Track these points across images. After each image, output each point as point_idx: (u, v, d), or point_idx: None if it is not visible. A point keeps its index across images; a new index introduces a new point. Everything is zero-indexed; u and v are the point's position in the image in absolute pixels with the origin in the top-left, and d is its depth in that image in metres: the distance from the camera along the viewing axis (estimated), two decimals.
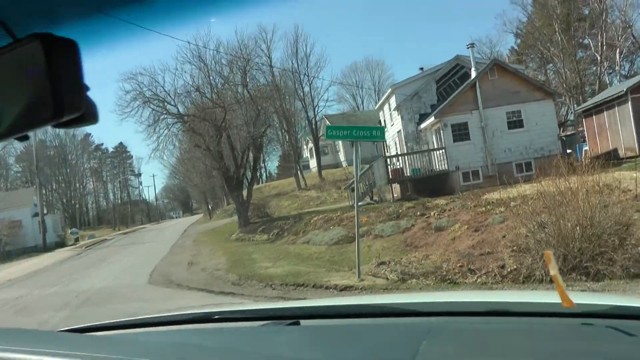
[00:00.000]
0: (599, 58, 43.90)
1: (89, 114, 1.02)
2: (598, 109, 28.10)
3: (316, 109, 54.37)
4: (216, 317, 2.13)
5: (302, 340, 1.69)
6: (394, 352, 1.42)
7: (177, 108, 32.61)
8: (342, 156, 54.85)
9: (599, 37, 43.93)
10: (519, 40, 51.50)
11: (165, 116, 32.54)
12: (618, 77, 42.74)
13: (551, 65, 47.94)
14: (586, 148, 29.30)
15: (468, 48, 27.04)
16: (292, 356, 1.34)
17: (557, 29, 43.90)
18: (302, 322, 1.89)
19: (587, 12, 46.43)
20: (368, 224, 19.48)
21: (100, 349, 1.23)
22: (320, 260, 17.47)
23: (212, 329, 1.97)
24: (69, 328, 2.13)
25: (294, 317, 1.95)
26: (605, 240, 13.66)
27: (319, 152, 51.15)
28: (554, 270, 1.59)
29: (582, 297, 1.78)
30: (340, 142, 51.59)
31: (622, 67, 45.17)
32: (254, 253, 20.82)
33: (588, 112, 29.42)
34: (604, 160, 25.09)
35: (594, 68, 45.58)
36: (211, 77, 33.58)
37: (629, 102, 24.66)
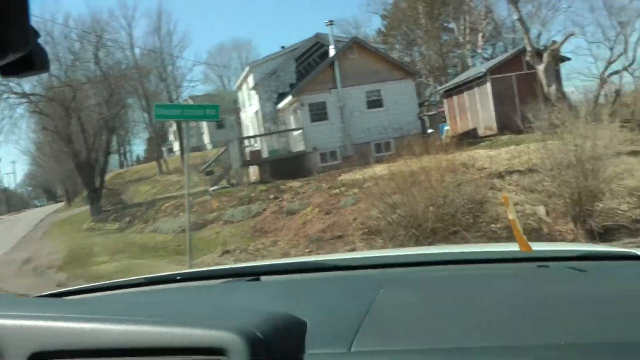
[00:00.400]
0: (462, 40, 45.11)
1: (39, 59, 0.98)
2: (459, 89, 28.60)
3: (179, 89, 52.32)
4: (179, 277, 2.18)
5: (262, 293, 1.76)
6: (352, 300, 1.45)
7: (21, 86, 29.57)
8: (206, 138, 53.23)
9: (462, 21, 45.12)
10: (385, 22, 51.98)
11: (8, 95, 29.59)
12: (481, 59, 44.07)
13: (417, 47, 48.79)
14: (447, 128, 29.80)
15: (327, 25, 26.33)
16: (251, 306, 1.35)
17: (420, 12, 44.59)
18: (263, 278, 1.95)
19: None
20: (219, 209, 18.49)
21: (71, 310, 1.28)
22: (165, 250, 16.47)
23: (174, 288, 2.05)
24: (46, 293, 2.19)
25: (255, 274, 2.00)
26: (459, 219, 13.40)
27: (181, 134, 49.32)
28: (512, 215, 1.77)
29: (540, 245, 1.90)
30: (205, 124, 49.91)
31: (485, 50, 46.72)
32: (97, 245, 19.51)
33: (449, 93, 29.93)
34: (462, 139, 25.84)
35: (458, 51, 46.86)
36: (60, 54, 30.81)
37: (488, 83, 25.17)
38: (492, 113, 24.47)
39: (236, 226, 16.88)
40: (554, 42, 23.15)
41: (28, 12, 0.92)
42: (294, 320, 1.19)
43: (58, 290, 2.26)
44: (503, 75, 24.67)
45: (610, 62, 34.62)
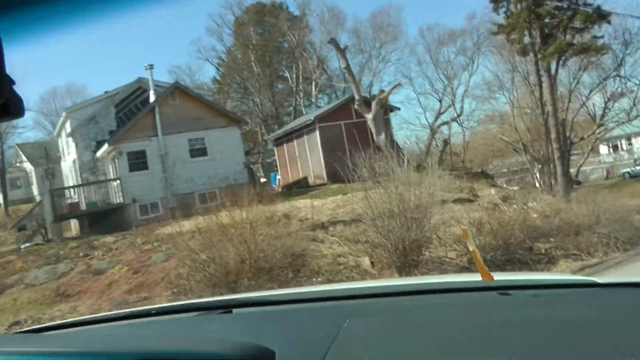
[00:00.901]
0: (295, 89, 45.59)
1: (14, 106, 1.03)
2: (289, 137, 28.34)
3: (4, 136, 48.09)
4: (154, 312, 2.18)
5: (233, 325, 1.83)
6: (320, 330, 1.49)
7: None
8: (35, 190, 49.07)
9: (295, 70, 45.68)
10: (220, 70, 51.51)
11: None
12: (315, 108, 44.75)
13: (252, 96, 48.67)
14: (279, 177, 29.37)
15: (147, 70, 25.00)
16: (222, 337, 1.40)
17: (253, 59, 44.62)
18: (235, 310, 1.98)
19: (285, 45, 48.34)
20: (22, 271, 16.29)
21: (47, 345, 1.30)
22: None
23: (148, 322, 2.06)
24: (24, 330, 2.34)
25: (226, 306, 2.03)
26: (277, 274, 12.55)
27: (5, 185, 45.03)
28: (472, 246, 1.85)
29: (500, 275, 1.91)
30: (33, 174, 46.23)
31: (320, 99, 47.59)
32: None
33: (280, 141, 29.62)
34: (292, 188, 25.44)
35: (293, 100, 47.32)
36: None
37: (317, 131, 25.06)
38: (322, 162, 24.31)
39: (37, 290, 14.98)
40: (382, 91, 23.61)
41: (3, 62, 0.97)
42: (262, 350, 1.25)
43: (36, 327, 2.28)
44: (332, 123, 24.71)
45: (440, 113, 36.62)
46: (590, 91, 26.35)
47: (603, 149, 59.57)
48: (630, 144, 57.42)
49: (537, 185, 27.48)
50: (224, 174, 23.32)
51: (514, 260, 13.38)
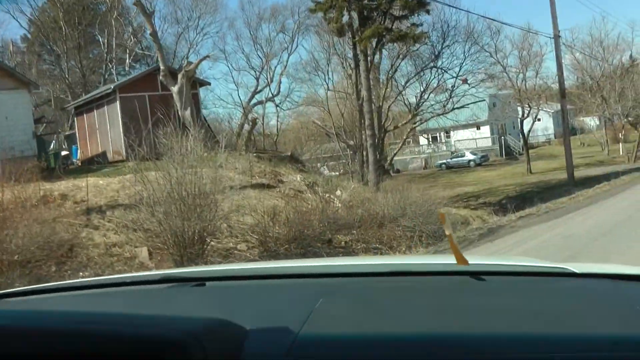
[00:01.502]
0: (105, 56, 42.52)
1: None
2: (89, 107, 26.07)
3: None
4: (127, 281, 2.24)
5: (205, 298, 1.84)
6: (293, 308, 1.56)
7: None
8: None
9: (107, 35, 42.54)
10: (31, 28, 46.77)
11: None
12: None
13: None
14: (80, 150, 26.97)
15: None
16: (194, 313, 1.38)
17: (61, 18, 40.94)
18: (208, 283, 1.97)
19: (103, 7, 44.96)
20: None
21: (11, 311, 1.42)
22: None
23: (120, 292, 2.07)
24: None
25: (200, 279, 2.02)
26: (36, 268, 10.90)
27: None
28: (448, 230, 1.74)
29: (476, 259, 1.90)
30: None
31: (135, 69, 44.79)
32: None
33: (80, 110, 27.18)
34: (92, 164, 23.31)
35: (106, 67, 44.19)
36: None
37: (118, 102, 23.15)
38: (121, 136, 22.39)
39: None
40: (189, 63, 22.17)
41: None
42: (233, 326, 1.25)
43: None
44: (135, 94, 22.83)
45: (255, 92, 35.77)
46: (407, 80, 26.81)
47: (423, 139, 62.41)
48: (448, 136, 60.56)
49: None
50: (9, 143, 20.66)
51: (309, 253, 12.69)
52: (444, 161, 54.36)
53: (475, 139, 56.63)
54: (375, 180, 20.62)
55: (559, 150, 55.83)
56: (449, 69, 26.11)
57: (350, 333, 1.32)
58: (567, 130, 25.66)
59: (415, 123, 26.90)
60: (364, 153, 23.10)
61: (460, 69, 25.96)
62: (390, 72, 25.67)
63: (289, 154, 24.54)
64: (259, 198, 15.40)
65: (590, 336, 1.23)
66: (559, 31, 25.01)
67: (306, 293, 1.77)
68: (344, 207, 16.33)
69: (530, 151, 55.76)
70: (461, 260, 1.72)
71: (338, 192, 18.34)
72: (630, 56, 53.49)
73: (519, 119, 40.46)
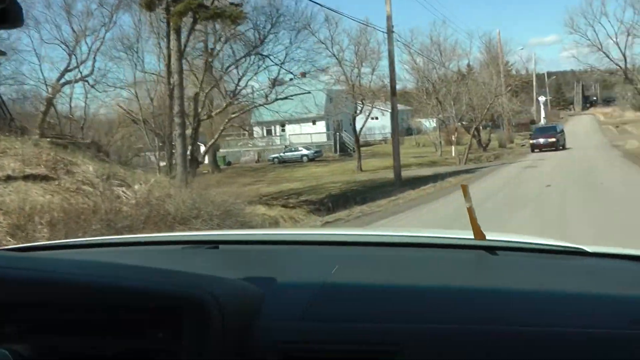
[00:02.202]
0: None
1: (13, 14, 1.06)
2: None
3: None
4: (143, 241, 2.29)
5: (220, 261, 1.91)
6: (308, 274, 1.61)
7: None
8: None
9: None
10: None
11: None
12: None
13: None
14: None
15: None
16: (210, 273, 1.41)
17: None
18: (221, 246, 2.02)
19: None
20: None
21: (30, 264, 1.34)
22: None
23: (138, 250, 2.13)
24: (11, 247, 2.39)
25: (214, 242, 2.09)
26: None
27: None
28: (468, 203, 1.73)
29: (494, 235, 1.87)
30: None
31: None
32: None
33: None
34: None
35: None
36: None
37: None
38: None
39: None
40: None
41: None
42: (251, 289, 1.29)
43: (17, 246, 2.40)
44: None
45: (67, 70, 32.43)
46: (227, 67, 25.10)
47: (258, 132, 61.28)
48: (283, 130, 59.86)
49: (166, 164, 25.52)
50: None
51: None
52: (277, 155, 53.63)
53: (311, 134, 56.38)
54: (183, 174, 18.77)
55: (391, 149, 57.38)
56: (271, 56, 24.69)
57: (364, 301, 1.34)
58: (396, 128, 25.24)
59: (234, 113, 25.25)
60: (173, 144, 21.17)
61: (285, 57, 24.67)
62: (209, 55, 23.84)
63: (89, 141, 22.08)
64: (26, 192, 13.08)
65: (605, 312, 1.24)
66: (393, 26, 24.59)
67: (322, 260, 1.81)
68: (136, 205, 14.39)
69: (366, 149, 56.52)
70: (479, 234, 1.76)
71: (137, 187, 16.37)
72: (468, 64, 55.98)
73: (351, 116, 40.20)
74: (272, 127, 60.11)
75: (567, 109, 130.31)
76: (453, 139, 41.13)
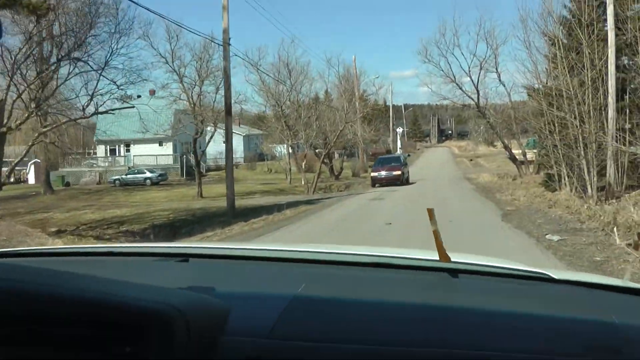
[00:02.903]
0: None
1: None
2: None
3: None
4: (115, 251, 2.31)
5: (189, 274, 1.88)
6: (276, 291, 1.60)
7: None
8: None
9: None
10: None
11: None
12: None
13: None
14: None
15: None
16: (177, 286, 1.43)
17: None
18: (191, 260, 2.04)
19: None
20: None
21: None
22: None
23: (103, 261, 2.16)
24: None
25: (183, 255, 2.09)
26: None
27: None
28: (434, 226, 1.75)
29: (459, 257, 1.92)
30: None
31: None
32: None
33: None
34: None
35: None
36: None
37: None
38: None
39: None
40: None
41: None
42: (217, 303, 1.30)
43: None
44: None
45: None
46: (40, 72, 21.41)
47: (102, 151, 56.74)
48: (128, 150, 55.75)
49: None
50: None
51: None
52: (119, 177, 49.59)
53: (156, 156, 52.68)
54: None
55: (244, 175, 54.61)
56: (83, 59, 21.23)
57: (329, 321, 1.36)
58: (230, 152, 22.44)
59: (46, 127, 21.61)
60: None
61: (105, 65, 21.34)
62: (18, 56, 20.21)
63: None
64: None
65: (561, 339, 1.27)
66: (230, 38, 22.05)
67: (290, 277, 1.84)
68: None
69: (215, 173, 53.59)
70: (444, 256, 1.78)
71: None
72: (326, 91, 54.53)
73: (192, 137, 37.18)
74: (117, 147, 55.78)
75: (423, 140, 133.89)
76: (303, 166, 39.05)
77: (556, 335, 1.28)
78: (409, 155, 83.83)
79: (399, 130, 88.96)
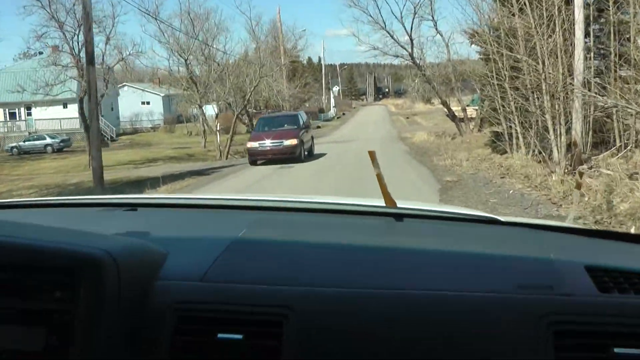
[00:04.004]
0: None
1: None
2: None
3: None
4: (66, 202, 2.34)
5: (134, 223, 1.83)
6: (215, 237, 1.56)
7: None
8: None
9: None
10: None
11: None
12: None
13: None
14: None
15: None
16: (122, 233, 1.44)
17: None
18: (140, 209, 2.04)
19: None
20: None
21: None
22: None
23: (51, 212, 2.11)
24: None
25: (131, 205, 2.08)
26: None
27: None
28: (377, 170, 1.77)
29: (406, 203, 1.95)
30: None
31: None
32: None
33: None
34: None
35: None
36: None
37: None
38: None
39: None
40: None
41: None
42: (152, 249, 1.30)
43: None
44: None
45: None
46: None
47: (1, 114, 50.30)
48: (29, 114, 49.50)
49: None
50: None
51: None
52: (16, 144, 43.69)
53: (60, 119, 46.68)
54: None
55: (160, 138, 49.20)
56: None
57: (265, 264, 1.35)
58: (94, 111, 16.87)
59: None
60: None
61: None
62: None
63: None
64: None
65: (494, 277, 1.29)
66: None
67: (232, 223, 1.81)
68: None
69: (126, 137, 48.12)
70: (389, 201, 1.78)
71: None
72: (257, 48, 48.80)
73: (79, 97, 31.52)
74: (17, 110, 49.44)
75: (359, 99, 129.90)
76: (215, 128, 33.83)
77: (490, 272, 1.31)
78: (343, 113, 79.82)
79: (335, 89, 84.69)
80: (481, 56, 20.71)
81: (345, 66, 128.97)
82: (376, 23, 32.68)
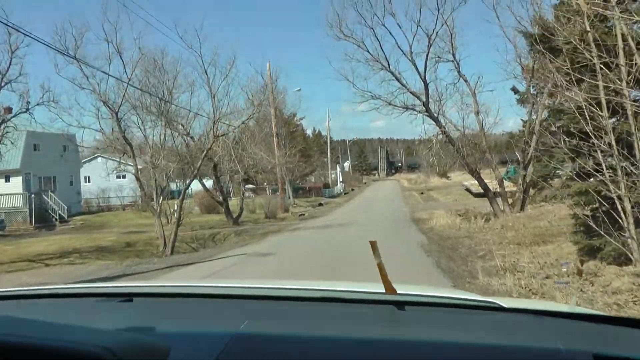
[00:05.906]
0: None
1: None
2: None
3: None
4: (59, 293, 2.19)
5: (132, 314, 1.79)
6: (217, 329, 1.53)
7: None
8: None
9: None
10: None
11: None
12: None
13: None
14: None
15: None
16: (122, 327, 1.38)
17: None
18: (135, 299, 1.95)
19: None
20: None
21: None
22: None
23: (48, 304, 2.01)
24: None
25: (127, 295, 2.00)
26: None
27: None
28: (378, 259, 1.68)
29: (405, 288, 1.86)
30: None
31: None
32: None
33: None
34: None
35: None
36: None
37: None
38: None
39: None
40: None
41: None
42: (154, 344, 1.24)
43: None
44: None
45: None
46: None
47: None
48: None
49: None
50: None
51: None
52: None
53: (1, 195, 37.96)
54: None
55: (121, 219, 39.88)
56: None
57: (272, 356, 1.33)
58: None
59: None
60: None
61: None
62: None
63: None
64: None
65: None
66: None
67: (232, 314, 1.76)
68: None
69: (81, 218, 39.47)
70: (390, 289, 1.71)
71: None
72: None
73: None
74: None
75: (371, 174, 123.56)
76: (157, 210, 24.57)
77: None
78: (352, 189, 71.71)
79: (346, 164, 77.11)
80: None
81: (356, 139, 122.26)
82: (376, 61, 23.15)
